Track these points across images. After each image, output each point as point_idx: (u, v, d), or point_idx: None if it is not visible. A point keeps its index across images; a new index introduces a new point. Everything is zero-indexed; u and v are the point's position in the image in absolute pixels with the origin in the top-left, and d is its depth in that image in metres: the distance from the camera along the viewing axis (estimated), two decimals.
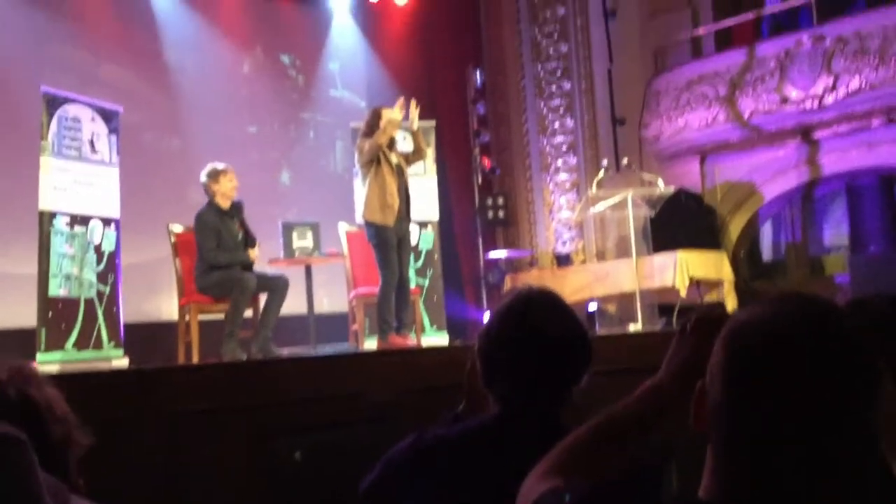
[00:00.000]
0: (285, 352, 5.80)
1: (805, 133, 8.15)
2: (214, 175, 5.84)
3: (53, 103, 6.05)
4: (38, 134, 6.05)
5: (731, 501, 0.94)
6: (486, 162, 9.85)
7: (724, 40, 8.85)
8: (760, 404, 0.91)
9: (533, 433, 1.66)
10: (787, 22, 8.34)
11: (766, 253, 9.39)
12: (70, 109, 6.16)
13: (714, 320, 1.13)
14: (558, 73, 9.91)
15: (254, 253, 5.86)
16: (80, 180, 6.16)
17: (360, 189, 5.90)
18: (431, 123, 8.15)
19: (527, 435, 1.65)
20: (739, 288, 7.69)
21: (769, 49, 8.02)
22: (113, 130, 6.45)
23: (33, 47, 7.91)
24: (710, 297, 7.51)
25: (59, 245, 5.94)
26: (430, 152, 7.97)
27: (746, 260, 8.94)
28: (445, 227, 8.55)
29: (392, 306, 5.74)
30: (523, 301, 1.76)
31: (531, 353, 1.69)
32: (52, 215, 5.94)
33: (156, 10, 8.65)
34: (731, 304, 7.43)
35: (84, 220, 6.14)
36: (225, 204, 5.84)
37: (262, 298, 5.79)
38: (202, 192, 6.00)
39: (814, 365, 0.90)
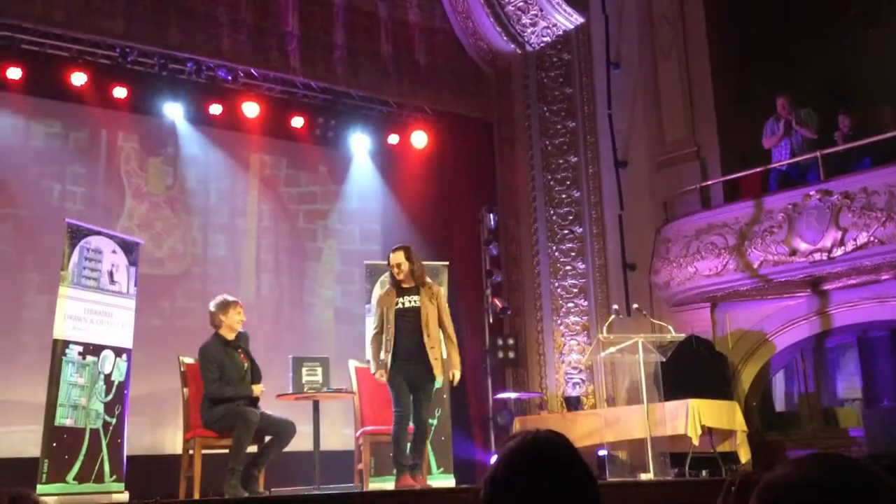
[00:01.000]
0: (286, 491, 5.69)
1: (815, 284, 8.21)
2: (224, 306, 5.92)
3: (77, 235, 6.21)
4: (59, 265, 6.17)
5: None
6: (498, 302, 9.92)
7: (733, 191, 9.06)
8: None
9: None
10: (795, 176, 8.56)
11: (779, 403, 9.26)
12: (92, 241, 6.31)
13: (756, 483, 1.14)
14: (570, 218, 10.13)
15: (258, 388, 5.85)
16: (95, 310, 6.24)
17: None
18: (444, 263, 8.28)
19: None
20: (752, 439, 7.56)
21: (777, 202, 8.19)
22: (133, 262, 6.59)
23: (59, 179, 8.19)
24: (723, 447, 7.37)
25: (69, 374, 5.96)
26: (443, 291, 8.05)
27: (759, 410, 8.81)
28: None
29: (402, 445, 5.68)
30: (530, 444, 1.74)
31: (538, 498, 1.68)
32: (66, 344, 5.98)
33: (181, 145, 9.01)
34: (744, 455, 7.29)
35: (96, 350, 6.17)
36: (230, 336, 5.88)
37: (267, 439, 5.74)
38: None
39: None
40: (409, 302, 5.84)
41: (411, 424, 5.86)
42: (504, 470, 1.74)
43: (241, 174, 9.41)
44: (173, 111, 8.91)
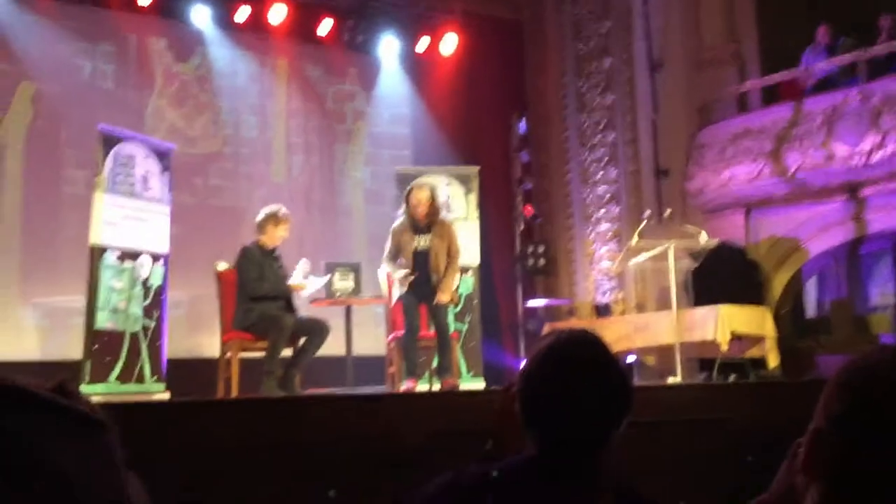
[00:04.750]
0: (322, 391, 5.84)
1: (852, 190, 8.07)
2: (274, 218, 5.96)
3: (109, 141, 6.25)
4: (94, 170, 6.24)
5: None
6: (528, 210, 9.89)
7: (771, 95, 8.84)
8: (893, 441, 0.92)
9: (570, 476, 1.66)
10: (836, 78, 8.32)
11: (811, 310, 9.24)
12: (125, 147, 6.35)
13: (829, 443, 1.14)
14: (602, 125, 9.97)
15: (299, 285, 5.94)
16: (131, 216, 6.33)
17: None
18: (475, 170, 8.23)
19: (564, 477, 1.65)
20: (782, 345, 7.58)
21: (816, 105, 7.99)
22: (166, 168, 6.63)
23: (90, 104, 8.19)
24: (752, 353, 7.40)
25: (107, 279, 6.08)
26: (473, 198, 8.04)
27: (790, 317, 8.80)
28: (485, 273, 8.57)
29: (410, 354, 6.00)
30: (563, 341, 1.75)
31: (571, 394, 1.70)
32: (103, 250, 6.09)
33: (212, 56, 8.95)
34: (773, 360, 7.31)
35: (134, 255, 6.29)
36: (270, 245, 5.96)
37: (303, 340, 5.86)
38: (250, 230, 6.14)
39: None
40: (423, 242, 5.99)
41: (431, 331, 6.11)
42: (540, 364, 1.76)
43: (270, 82, 9.36)
44: (200, 16, 8.79)
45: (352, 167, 9.68)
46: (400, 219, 6.15)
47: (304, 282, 6.00)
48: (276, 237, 5.96)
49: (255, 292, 5.76)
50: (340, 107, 9.69)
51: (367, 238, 9.51)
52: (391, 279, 6.14)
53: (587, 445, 1.69)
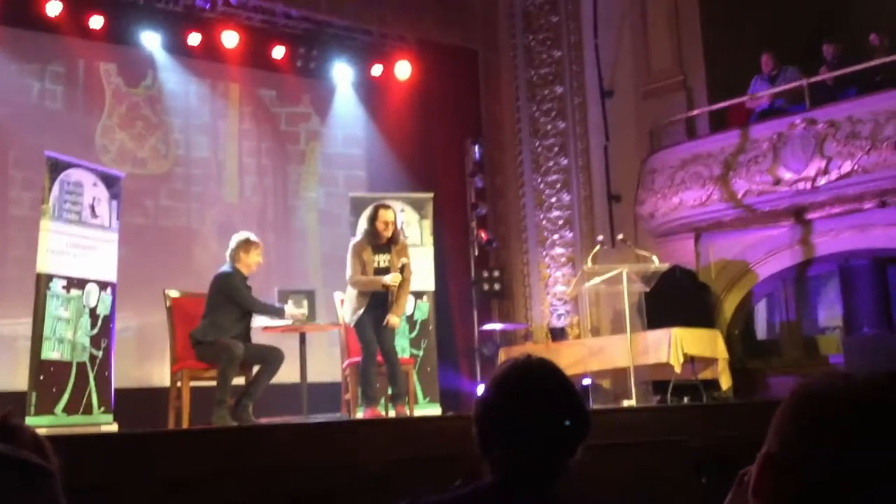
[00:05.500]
0: (276, 420, 5.75)
1: (798, 214, 8.25)
2: (247, 246, 5.90)
3: (56, 168, 6.13)
4: (41, 198, 6.11)
5: None
6: (483, 235, 9.93)
7: (719, 121, 9.02)
8: (844, 465, 0.92)
9: (529, 501, 1.65)
10: (782, 106, 8.52)
11: (761, 332, 9.39)
12: (72, 174, 6.24)
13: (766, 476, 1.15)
14: (555, 150, 10.08)
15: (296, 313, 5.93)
16: (78, 244, 6.20)
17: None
18: (429, 196, 8.25)
19: (523, 503, 1.65)
20: (734, 366, 7.68)
21: (762, 131, 8.17)
22: (114, 196, 6.53)
23: (39, 125, 8.07)
24: (705, 375, 7.49)
25: (54, 308, 5.95)
26: (427, 224, 8.06)
27: (741, 338, 8.93)
28: (441, 298, 8.57)
29: (369, 378, 5.96)
30: (520, 368, 1.76)
31: (528, 421, 1.69)
32: (49, 278, 5.96)
33: (161, 83, 8.86)
34: (725, 382, 7.40)
35: (81, 284, 6.16)
36: (245, 272, 5.91)
37: (256, 369, 5.79)
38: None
39: (882, 433, 0.92)
40: (383, 262, 6.04)
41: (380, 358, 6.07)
42: (497, 392, 1.76)
43: (221, 106, 9.30)
44: (151, 41, 8.71)
45: (305, 188, 9.64)
46: (359, 237, 6.15)
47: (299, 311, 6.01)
48: (250, 264, 5.90)
49: (253, 306, 5.74)
50: (294, 128, 9.66)
51: (321, 259, 9.46)
52: (386, 284, 6.00)
53: (545, 471, 1.69)
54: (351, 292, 6.06)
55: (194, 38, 8.83)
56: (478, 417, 1.76)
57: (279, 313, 5.90)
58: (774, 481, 0.97)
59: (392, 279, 5.94)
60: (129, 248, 6.96)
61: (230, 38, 8.89)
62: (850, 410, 0.94)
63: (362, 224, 6.21)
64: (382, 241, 6.02)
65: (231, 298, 5.76)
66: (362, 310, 5.96)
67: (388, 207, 6.12)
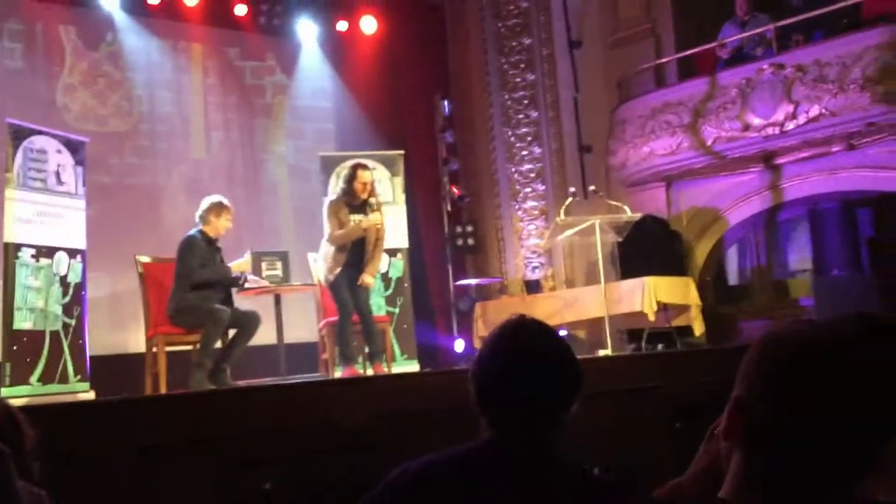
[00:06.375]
0: (255, 382, 5.75)
1: (767, 159, 8.30)
2: (218, 209, 5.84)
3: (19, 135, 6.01)
4: (3, 166, 6.00)
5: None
6: (455, 190, 9.90)
7: (687, 69, 9.01)
8: (806, 409, 0.95)
9: (524, 457, 1.69)
10: (749, 52, 8.52)
11: (732, 277, 9.50)
12: (36, 141, 6.12)
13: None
14: (525, 102, 10.03)
15: (246, 264, 5.86)
16: (45, 212, 6.11)
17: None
18: (400, 153, 8.20)
19: (520, 458, 1.68)
20: (706, 312, 7.77)
21: (730, 78, 8.17)
22: (79, 162, 6.42)
23: None
24: (678, 322, 7.58)
25: (23, 277, 5.87)
26: (399, 181, 8.02)
27: (713, 284, 9.04)
28: (415, 255, 8.57)
29: (346, 338, 6.00)
30: (513, 327, 1.81)
31: (522, 377, 1.73)
32: (17, 247, 5.88)
33: (122, 41, 8.67)
34: (698, 328, 7.50)
35: (50, 252, 6.08)
36: (213, 235, 5.85)
37: (232, 332, 5.77)
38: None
39: (867, 371, 0.94)
40: (358, 220, 6.02)
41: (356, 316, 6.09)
42: (492, 351, 1.80)
43: (184, 65, 9.13)
44: (110, 2, 8.50)
45: (273, 142, 9.53)
46: (335, 196, 6.12)
47: (246, 261, 5.92)
48: (219, 227, 5.85)
49: (198, 278, 5.65)
50: (259, 81, 9.51)
51: (292, 214, 9.40)
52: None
53: (541, 427, 1.73)
54: (327, 251, 6.03)
55: None
56: (474, 375, 1.79)
57: (233, 283, 5.83)
58: (742, 424, 1.00)
59: (372, 219, 5.95)
60: (96, 209, 6.87)
61: None
62: (813, 355, 0.97)
63: (339, 183, 6.16)
64: (358, 202, 6.01)
65: (180, 268, 5.69)
66: (339, 269, 5.95)
67: (366, 168, 6.11)
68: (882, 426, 0.94)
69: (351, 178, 5.99)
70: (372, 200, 6.12)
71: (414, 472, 1.70)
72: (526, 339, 1.77)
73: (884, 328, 0.97)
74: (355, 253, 6.02)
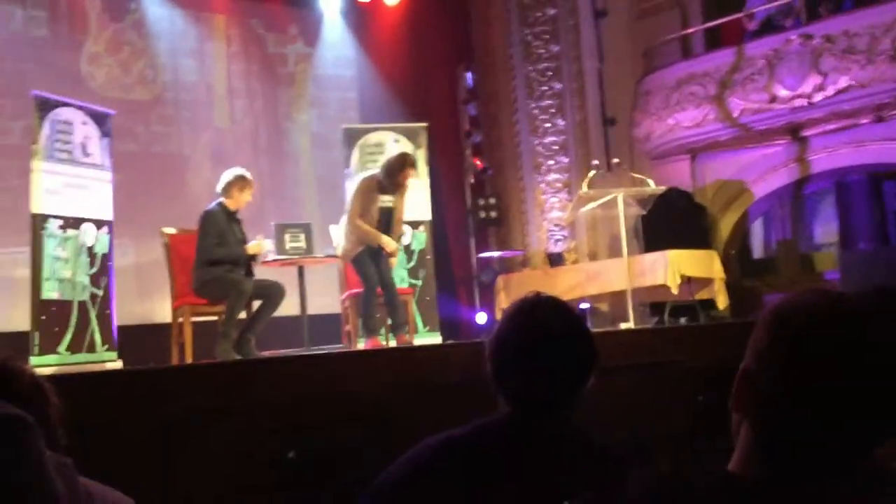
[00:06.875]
0: (279, 353, 5.81)
1: (794, 131, 8.20)
2: (241, 183, 5.86)
3: (45, 107, 6.05)
4: (30, 138, 6.05)
5: (775, 476, 0.98)
6: (478, 162, 9.87)
7: (713, 40, 8.89)
8: (813, 381, 0.95)
9: (543, 432, 1.71)
10: (777, 22, 8.39)
11: (757, 250, 9.44)
12: (62, 113, 6.17)
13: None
14: (549, 74, 9.95)
15: (259, 247, 5.87)
16: (72, 183, 6.17)
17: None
18: (423, 125, 8.17)
19: (538, 434, 1.71)
20: (730, 285, 7.73)
21: (758, 48, 8.07)
22: (105, 134, 6.46)
23: (24, 52, 7.93)
24: (701, 295, 7.55)
25: (51, 248, 5.95)
26: (422, 153, 8.01)
27: (737, 257, 8.98)
28: (437, 227, 8.57)
29: (370, 310, 6.05)
30: (530, 304, 1.83)
31: (539, 354, 1.75)
32: (45, 218, 5.94)
33: (146, 13, 8.69)
34: (721, 301, 7.46)
35: (76, 223, 6.14)
36: (233, 208, 5.88)
37: (256, 303, 5.82)
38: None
39: (873, 341, 0.94)
40: (387, 202, 6.09)
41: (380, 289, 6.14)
42: (509, 330, 1.82)
43: (207, 38, 9.13)
44: None
45: (296, 110, 9.54)
46: (367, 176, 6.13)
47: (262, 244, 5.93)
48: (240, 201, 5.88)
49: (213, 256, 5.69)
50: (282, 49, 9.51)
51: (315, 183, 9.42)
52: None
53: (557, 404, 1.76)
54: (348, 230, 6.07)
55: None
56: (492, 353, 1.82)
57: (239, 261, 5.83)
58: (750, 395, 1.00)
59: (391, 247, 6.05)
60: (121, 177, 6.92)
61: None
62: (825, 326, 0.96)
63: (385, 168, 6.11)
64: (395, 189, 6.07)
65: (199, 244, 5.72)
66: (362, 247, 6.01)
67: (415, 165, 6.21)
68: (890, 400, 0.94)
69: (400, 169, 6.00)
70: (403, 189, 6.18)
71: (433, 448, 1.72)
72: (542, 317, 1.79)
73: None
74: (383, 228, 6.07)
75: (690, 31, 8.94)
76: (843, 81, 7.42)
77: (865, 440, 0.96)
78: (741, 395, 1.02)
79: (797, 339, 0.97)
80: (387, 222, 6.09)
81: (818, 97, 7.57)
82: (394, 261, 6.22)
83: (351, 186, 6.26)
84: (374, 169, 6.30)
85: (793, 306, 1.01)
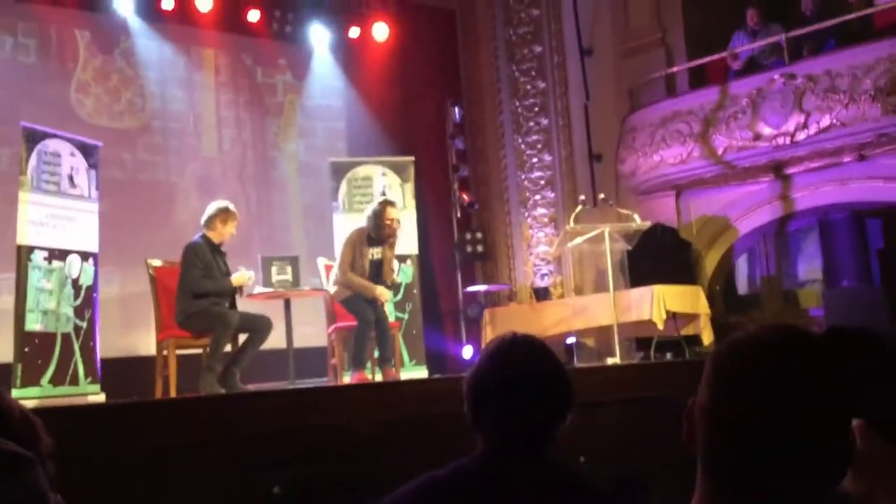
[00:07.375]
0: (265, 387, 5.78)
1: (778, 169, 8.30)
2: (225, 216, 5.85)
3: (33, 138, 6.05)
4: (18, 165, 6.05)
5: None
6: (465, 196, 9.92)
7: (698, 79, 9.02)
8: (745, 412, 0.95)
9: (519, 470, 1.72)
10: (761, 61, 8.52)
11: (742, 286, 9.49)
12: (50, 144, 6.17)
13: None
14: (536, 109, 10.05)
15: (242, 278, 5.85)
16: (58, 215, 6.15)
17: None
18: (410, 159, 8.23)
19: (514, 472, 1.71)
20: (715, 321, 7.77)
21: (742, 87, 8.18)
22: (92, 165, 6.46)
23: (13, 79, 7.95)
24: (687, 331, 7.57)
25: (36, 279, 5.91)
26: (409, 187, 8.05)
27: (722, 293, 9.03)
28: (424, 261, 8.59)
29: (362, 343, 6.08)
30: (508, 344, 1.85)
31: (514, 394, 1.77)
32: (30, 250, 5.92)
33: (136, 44, 8.73)
34: (707, 337, 7.49)
35: (62, 255, 6.12)
36: (217, 241, 5.87)
37: (241, 337, 5.79)
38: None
39: (798, 375, 0.94)
40: (376, 255, 6.20)
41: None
42: (486, 369, 1.83)
43: (196, 71, 9.17)
44: (124, 7, 8.55)
45: (284, 140, 9.57)
46: (355, 229, 6.23)
47: (244, 274, 5.90)
48: (224, 234, 5.87)
49: (199, 288, 5.66)
50: (270, 80, 9.56)
51: (302, 212, 9.43)
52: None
53: (533, 441, 1.77)
54: (339, 278, 6.15)
55: (168, 3, 8.67)
56: (469, 391, 1.83)
57: (226, 293, 5.82)
58: (698, 430, 1.01)
59: (385, 297, 6.16)
60: (108, 205, 6.91)
61: (204, 2, 8.75)
62: (750, 365, 0.97)
63: (367, 219, 6.20)
64: (384, 237, 6.10)
65: (183, 276, 5.70)
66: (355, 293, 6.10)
67: (393, 204, 6.27)
68: (820, 442, 0.93)
69: (380, 213, 6.09)
70: (392, 240, 6.23)
71: (415, 490, 1.74)
72: (519, 357, 1.81)
73: (808, 341, 0.97)
74: (374, 280, 6.18)
75: (675, 69, 9.06)
76: (826, 120, 7.53)
77: (809, 477, 0.94)
78: (688, 429, 1.03)
79: (731, 372, 0.98)
80: (377, 272, 6.17)
81: (801, 136, 7.68)
82: (387, 305, 6.29)
83: (340, 237, 6.34)
84: (361, 222, 6.33)
85: (735, 342, 1.02)
